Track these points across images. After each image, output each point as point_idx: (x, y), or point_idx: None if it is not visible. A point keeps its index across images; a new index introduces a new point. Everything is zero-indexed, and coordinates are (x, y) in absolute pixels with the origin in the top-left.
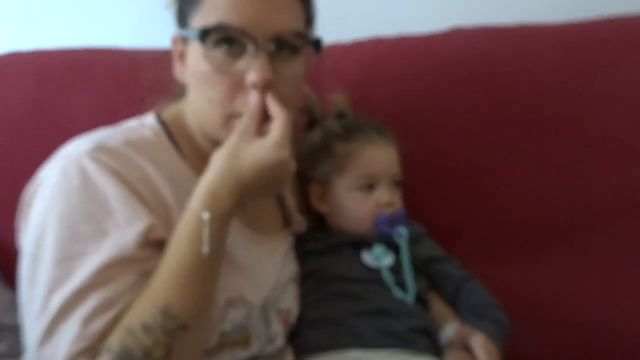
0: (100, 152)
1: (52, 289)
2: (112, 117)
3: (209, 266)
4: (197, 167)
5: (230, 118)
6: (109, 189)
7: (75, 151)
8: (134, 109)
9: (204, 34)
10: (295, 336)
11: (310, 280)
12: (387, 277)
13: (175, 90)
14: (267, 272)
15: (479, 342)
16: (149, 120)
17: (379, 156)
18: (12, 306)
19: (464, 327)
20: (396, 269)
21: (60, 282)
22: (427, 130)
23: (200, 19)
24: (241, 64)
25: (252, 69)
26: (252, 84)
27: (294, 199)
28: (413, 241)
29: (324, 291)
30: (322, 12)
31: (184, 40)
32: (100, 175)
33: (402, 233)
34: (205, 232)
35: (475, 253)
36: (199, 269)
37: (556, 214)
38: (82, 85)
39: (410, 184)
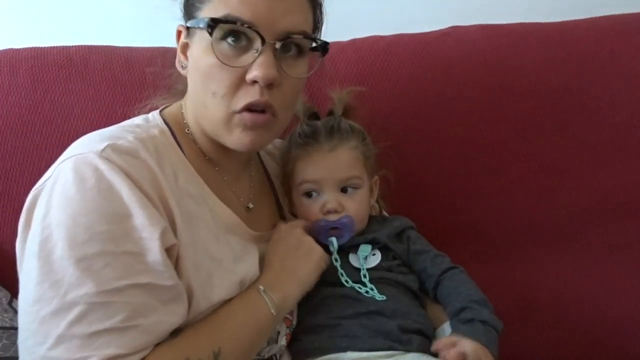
0: (112, 152)
1: (71, 289)
2: (106, 114)
3: (256, 330)
4: (196, 165)
5: (232, 115)
6: (124, 190)
7: (86, 150)
8: (129, 107)
9: (212, 24)
10: (293, 340)
11: None
12: (366, 280)
13: (175, 88)
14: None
15: (469, 349)
16: (154, 118)
17: (321, 162)
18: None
19: (452, 338)
20: (386, 267)
21: (82, 283)
22: (424, 128)
23: (209, 11)
24: (246, 58)
25: (257, 65)
26: (255, 80)
27: (286, 201)
28: (395, 237)
29: (318, 296)
30: None
31: (189, 32)
32: (114, 176)
33: (333, 243)
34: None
35: (471, 253)
36: (248, 328)
37: (553, 214)
38: (76, 83)
39: (406, 182)
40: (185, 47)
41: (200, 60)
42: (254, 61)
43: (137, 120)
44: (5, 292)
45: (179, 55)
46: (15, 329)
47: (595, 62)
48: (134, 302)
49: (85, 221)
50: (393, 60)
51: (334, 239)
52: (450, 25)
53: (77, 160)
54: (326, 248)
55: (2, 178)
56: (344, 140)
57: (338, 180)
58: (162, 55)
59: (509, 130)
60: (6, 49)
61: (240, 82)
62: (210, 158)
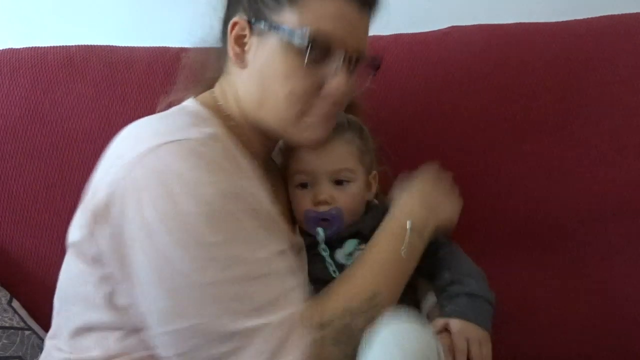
0: (196, 144)
1: (261, 251)
2: (106, 114)
3: (407, 266)
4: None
5: (303, 115)
6: (242, 161)
7: (180, 137)
8: (128, 107)
9: (312, 43)
10: None
11: None
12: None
13: (207, 76)
14: None
15: (455, 328)
16: (195, 108)
17: (315, 153)
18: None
19: (441, 321)
20: None
21: (264, 244)
22: (423, 128)
23: (299, 18)
24: (326, 70)
25: (340, 80)
26: (337, 96)
27: None
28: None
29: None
30: None
31: (252, 27)
32: (225, 153)
33: (320, 233)
34: (406, 239)
35: (471, 253)
36: (400, 265)
37: (553, 214)
38: (76, 83)
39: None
40: (240, 39)
41: (278, 61)
42: (333, 75)
43: (184, 115)
44: (5, 292)
45: (235, 47)
46: (15, 328)
47: (595, 62)
48: (286, 265)
49: (222, 203)
50: (393, 60)
51: (320, 230)
52: (450, 25)
53: (176, 147)
54: (314, 239)
55: (2, 178)
56: (339, 133)
57: (330, 171)
58: (162, 55)
59: (509, 130)
60: (6, 49)
61: (317, 89)
62: (251, 150)
